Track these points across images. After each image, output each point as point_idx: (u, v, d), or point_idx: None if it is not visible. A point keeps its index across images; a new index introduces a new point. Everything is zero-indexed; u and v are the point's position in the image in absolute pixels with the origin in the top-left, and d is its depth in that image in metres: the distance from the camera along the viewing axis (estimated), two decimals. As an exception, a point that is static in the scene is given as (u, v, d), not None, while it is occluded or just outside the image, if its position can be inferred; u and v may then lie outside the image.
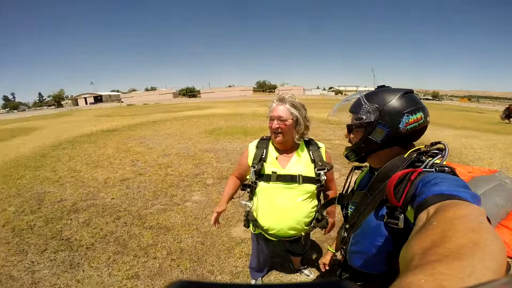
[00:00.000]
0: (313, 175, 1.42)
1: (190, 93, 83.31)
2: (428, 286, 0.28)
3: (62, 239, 2.68)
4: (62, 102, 76.76)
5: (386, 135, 0.82)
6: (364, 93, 0.89)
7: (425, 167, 0.72)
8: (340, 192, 1.13)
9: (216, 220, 1.59)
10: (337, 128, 8.90)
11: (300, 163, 1.43)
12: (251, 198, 1.55)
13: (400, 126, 0.79)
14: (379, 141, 0.83)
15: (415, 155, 0.77)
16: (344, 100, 1.01)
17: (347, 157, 0.99)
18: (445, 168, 0.72)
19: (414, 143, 0.88)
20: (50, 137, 9.21)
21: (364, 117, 0.85)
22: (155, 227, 2.87)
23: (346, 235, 1.01)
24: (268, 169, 1.42)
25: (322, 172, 1.41)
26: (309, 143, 1.51)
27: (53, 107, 72.12)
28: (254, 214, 1.52)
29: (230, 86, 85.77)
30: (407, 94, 0.82)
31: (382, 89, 0.87)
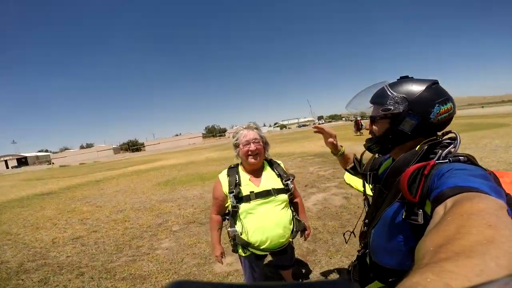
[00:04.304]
0: (282, 186, 1.63)
1: (133, 146, 78.99)
2: (434, 286, 0.27)
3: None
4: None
5: (416, 125, 0.79)
6: (388, 83, 0.87)
7: (438, 159, 0.70)
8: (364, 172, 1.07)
9: (221, 259, 1.71)
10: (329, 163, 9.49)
11: (270, 178, 1.64)
12: (234, 223, 1.62)
13: (431, 116, 0.77)
14: (409, 132, 0.81)
15: (426, 147, 0.75)
16: (363, 91, 0.98)
17: (369, 149, 0.95)
18: (460, 157, 0.69)
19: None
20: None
21: (392, 107, 0.82)
22: (128, 277, 2.74)
23: (365, 229, 0.98)
24: (245, 190, 1.57)
25: (289, 182, 1.65)
26: (270, 162, 1.75)
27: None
28: (243, 236, 1.57)
29: (177, 135, 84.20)
30: (435, 85, 0.80)
31: (407, 80, 0.84)
